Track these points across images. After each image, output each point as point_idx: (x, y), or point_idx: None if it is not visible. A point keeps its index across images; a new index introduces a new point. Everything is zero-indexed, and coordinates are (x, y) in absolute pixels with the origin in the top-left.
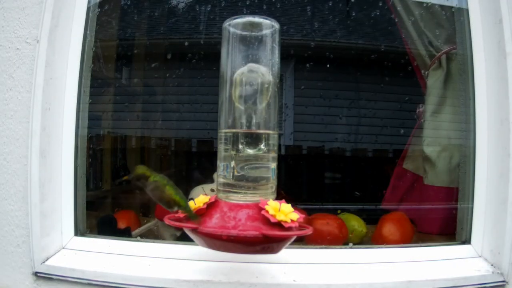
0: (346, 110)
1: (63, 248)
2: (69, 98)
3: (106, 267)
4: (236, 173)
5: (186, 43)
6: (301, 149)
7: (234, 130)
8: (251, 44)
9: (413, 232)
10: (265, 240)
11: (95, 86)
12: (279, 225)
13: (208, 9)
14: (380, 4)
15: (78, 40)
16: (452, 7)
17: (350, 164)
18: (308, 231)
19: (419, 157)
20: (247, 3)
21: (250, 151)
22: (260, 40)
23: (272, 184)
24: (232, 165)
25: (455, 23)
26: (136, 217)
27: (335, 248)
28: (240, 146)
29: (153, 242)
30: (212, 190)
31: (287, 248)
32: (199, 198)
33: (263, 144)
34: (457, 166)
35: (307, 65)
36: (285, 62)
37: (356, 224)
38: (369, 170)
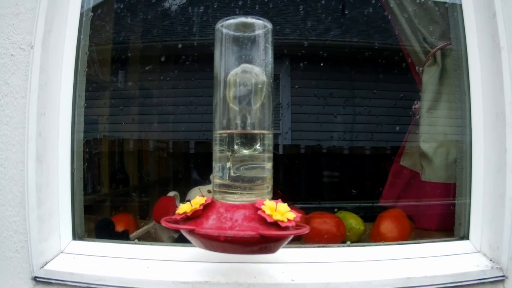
0: (341, 108)
1: (62, 252)
2: (64, 102)
3: (105, 270)
4: (231, 174)
5: (180, 45)
6: (298, 148)
7: (229, 131)
8: (244, 44)
9: (411, 229)
10: (262, 240)
11: (90, 90)
12: (276, 224)
13: (201, 10)
14: (373, 2)
15: (72, 45)
16: (445, 2)
17: (347, 162)
18: (305, 230)
19: (416, 154)
20: (240, 3)
21: (246, 152)
22: (253, 41)
23: (268, 184)
24: (227, 166)
25: (448, 18)
26: (134, 220)
27: (333, 246)
28: (235, 147)
29: (151, 244)
30: (209, 192)
31: (284, 247)
32: (196, 200)
33: (258, 144)
34: (454, 161)
35: (302, 64)
36: (280, 62)
37: (353, 222)
38: (366, 168)
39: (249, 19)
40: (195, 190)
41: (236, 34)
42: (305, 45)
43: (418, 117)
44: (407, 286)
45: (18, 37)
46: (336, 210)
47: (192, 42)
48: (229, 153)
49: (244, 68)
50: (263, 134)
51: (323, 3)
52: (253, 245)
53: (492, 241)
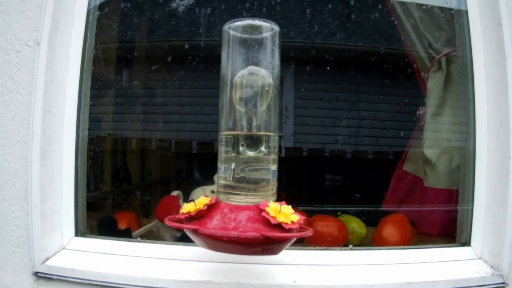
0: (346, 112)
1: (64, 248)
2: (69, 100)
3: (106, 267)
4: (236, 175)
5: (187, 46)
6: (302, 151)
7: (234, 132)
8: (251, 46)
9: (413, 234)
10: (266, 242)
11: (96, 88)
12: (279, 226)
13: (208, 12)
14: (380, 7)
15: (78, 43)
16: (451, 9)
17: (351, 166)
18: (308, 232)
19: (419, 159)
20: (247, 6)
21: (251, 153)
22: (260, 43)
23: (273, 185)
24: (232, 167)
25: (454, 25)
26: (137, 218)
27: (335, 249)
28: (241, 148)
29: (154, 243)
30: (213, 192)
31: (287, 249)
32: (200, 200)
33: (263, 146)
34: (457, 168)
35: (307, 67)
36: (285, 65)
37: (356, 225)
38: (369, 172)
39: (257, 22)
40: (198, 190)
41: (244, 36)
42: (311, 48)
43: (422, 122)
44: None
45: (24, 34)
46: (338, 213)
47: (198, 42)
48: (234, 154)
49: (251, 70)
50: (269, 136)
51: (329, 7)
52: (256, 246)
53: (493, 248)
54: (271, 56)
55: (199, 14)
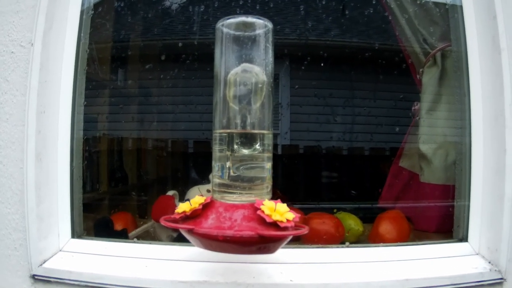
0: (341, 109)
1: (60, 250)
2: (64, 100)
3: (103, 269)
4: (231, 174)
5: (180, 44)
6: (297, 148)
7: (228, 131)
8: (244, 44)
9: (410, 230)
10: (261, 240)
11: (90, 88)
12: (275, 225)
13: (202, 9)
14: (374, 2)
15: (72, 43)
16: (445, 4)
17: (346, 162)
18: (304, 230)
19: (415, 155)
20: (241, 3)
21: (245, 151)
22: (253, 40)
23: (268, 184)
24: (227, 166)
25: (449, 20)
26: (133, 219)
27: (331, 247)
28: (235, 146)
29: (150, 243)
30: (208, 191)
31: (283, 248)
32: (195, 199)
33: (258, 144)
34: (453, 163)
35: (302, 64)
36: (280, 62)
37: (352, 223)
38: (365, 169)
39: (250, 19)
40: (194, 190)
41: (237, 33)
42: (305, 45)
43: (417, 118)
44: (406, 287)
45: (18, 35)
46: (335, 210)
47: (192, 41)
48: (228, 153)
49: (245, 67)
50: (263, 134)
51: (323, 3)
52: (252, 245)
53: (491, 243)
54: (265, 53)
55: (193, 12)
